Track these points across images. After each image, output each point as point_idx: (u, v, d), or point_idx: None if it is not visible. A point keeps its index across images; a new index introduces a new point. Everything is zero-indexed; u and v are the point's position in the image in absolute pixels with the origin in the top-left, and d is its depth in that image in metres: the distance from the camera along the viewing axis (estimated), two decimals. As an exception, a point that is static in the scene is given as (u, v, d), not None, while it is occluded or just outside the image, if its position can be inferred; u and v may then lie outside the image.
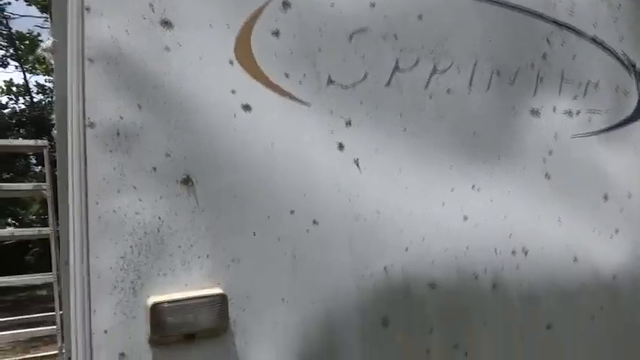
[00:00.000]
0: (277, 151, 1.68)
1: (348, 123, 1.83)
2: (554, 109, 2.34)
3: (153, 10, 1.70)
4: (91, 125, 1.50)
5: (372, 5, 2.02)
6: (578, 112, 2.40)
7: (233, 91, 1.69)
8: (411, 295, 1.71)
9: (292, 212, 1.63)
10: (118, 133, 1.52)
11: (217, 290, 1.47)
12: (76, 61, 1.55)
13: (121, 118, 1.54)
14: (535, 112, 2.29)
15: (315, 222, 1.64)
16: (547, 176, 2.24)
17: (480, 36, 2.21)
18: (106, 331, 1.36)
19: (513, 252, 2.05)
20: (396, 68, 1.99)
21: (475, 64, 2.16)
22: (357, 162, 1.79)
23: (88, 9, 1.62)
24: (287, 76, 1.79)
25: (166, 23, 1.69)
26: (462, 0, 2.23)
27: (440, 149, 1.96)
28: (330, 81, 1.86)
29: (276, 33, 1.84)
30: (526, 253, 2.08)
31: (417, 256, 1.77)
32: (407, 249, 1.76)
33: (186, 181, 1.54)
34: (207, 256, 1.50)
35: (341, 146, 1.79)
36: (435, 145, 1.95)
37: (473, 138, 2.07)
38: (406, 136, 1.91)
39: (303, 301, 1.56)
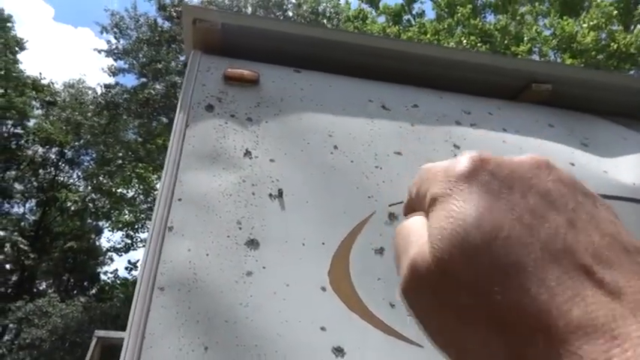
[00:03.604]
0: (378, 417, 1.23)
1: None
2: None
3: (240, 228, 1.50)
4: (144, 375, 1.20)
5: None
6: None
7: (323, 329, 1.33)
8: None
9: None
10: (173, 387, 1.19)
11: None
12: (145, 289, 1.33)
13: (181, 366, 1.22)
14: None
15: None
16: None
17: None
18: None
19: None
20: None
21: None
22: None
23: (170, 228, 1.47)
24: (392, 306, 1.42)
25: (252, 242, 1.47)
26: (614, 204, 1.80)
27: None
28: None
29: (380, 251, 1.53)
30: None
31: None
32: None
33: None
34: None
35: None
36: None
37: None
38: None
39: None
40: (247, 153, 1.68)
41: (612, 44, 11.47)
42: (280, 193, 1.60)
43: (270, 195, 1.59)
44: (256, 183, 1.61)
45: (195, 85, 1.83)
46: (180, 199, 1.53)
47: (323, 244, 1.51)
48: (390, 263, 1.50)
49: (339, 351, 1.30)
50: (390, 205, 1.63)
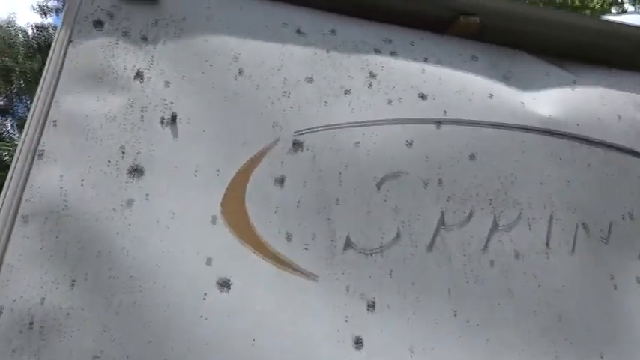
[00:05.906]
0: (264, 351, 1.16)
1: (371, 306, 1.29)
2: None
3: (123, 154, 1.35)
4: (-4, 311, 1.07)
5: (409, 144, 1.59)
6: None
7: (208, 261, 1.23)
8: None
9: None
10: (31, 323, 1.07)
11: None
12: (5, 218, 1.18)
13: (42, 300, 1.10)
14: (646, 283, 1.64)
15: None
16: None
17: (555, 179, 1.69)
18: None
19: None
20: (442, 224, 1.48)
21: (551, 216, 1.61)
22: (383, 367, 1.22)
23: (40, 153, 1.30)
24: (289, 238, 1.33)
25: (136, 170, 1.33)
26: (528, 135, 1.76)
27: (510, 346, 1.35)
28: (349, 244, 1.37)
29: (281, 181, 1.42)
30: None
31: None
32: None
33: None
34: None
35: (359, 342, 1.23)
36: (502, 341, 1.34)
37: (558, 324, 1.44)
38: (458, 325, 1.33)
39: None
40: (139, 74, 1.51)
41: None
42: (173, 119, 1.45)
43: (162, 120, 1.44)
44: (146, 107, 1.45)
45: (83, -2, 1.61)
46: (55, 122, 1.35)
47: (218, 173, 1.39)
48: (290, 194, 1.41)
49: (224, 284, 1.21)
50: (295, 133, 1.52)
